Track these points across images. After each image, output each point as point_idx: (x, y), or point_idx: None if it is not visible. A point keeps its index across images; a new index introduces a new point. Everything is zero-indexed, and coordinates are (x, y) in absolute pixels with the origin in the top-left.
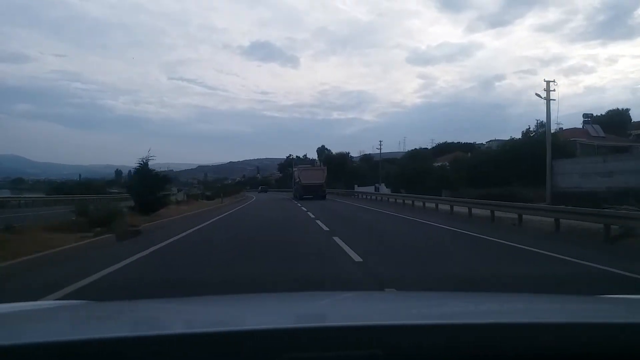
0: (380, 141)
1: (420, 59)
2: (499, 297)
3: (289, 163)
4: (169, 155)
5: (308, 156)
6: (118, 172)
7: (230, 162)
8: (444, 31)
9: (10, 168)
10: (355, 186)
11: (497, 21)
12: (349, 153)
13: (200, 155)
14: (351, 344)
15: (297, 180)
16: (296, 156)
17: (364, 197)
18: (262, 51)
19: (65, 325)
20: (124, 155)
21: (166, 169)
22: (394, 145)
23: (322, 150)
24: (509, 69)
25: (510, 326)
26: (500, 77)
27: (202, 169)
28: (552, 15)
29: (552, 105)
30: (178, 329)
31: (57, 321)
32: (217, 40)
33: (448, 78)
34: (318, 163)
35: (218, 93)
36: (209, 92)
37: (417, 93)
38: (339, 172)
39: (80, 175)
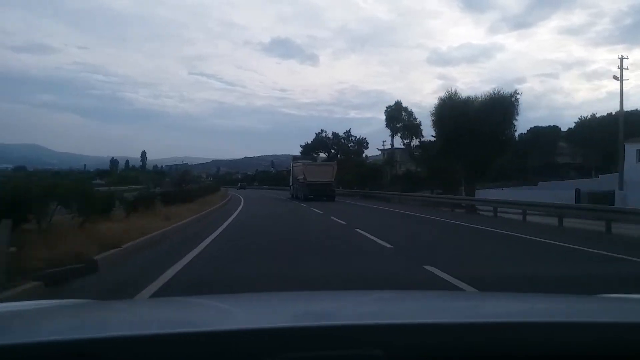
0: None
1: (441, 59)
2: (500, 297)
3: (320, 143)
4: (185, 150)
5: (351, 131)
6: (114, 162)
7: (246, 157)
8: (465, 32)
9: (30, 157)
10: (477, 192)
11: (520, 23)
12: (518, 92)
13: (217, 149)
14: (351, 344)
15: (301, 177)
16: (332, 133)
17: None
18: (282, 48)
19: (65, 325)
20: (141, 147)
21: (181, 163)
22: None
23: (397, 111)
24: (530, 72)
25: (511, 326)
26: (520, 80)
27: (216, 163)
28: (577, 17)
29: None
30: (176, 328)
31: (57, 321)
32: (237, 36)
33: (467, 80)
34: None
35: (237, 89)
36: (227, 87)
37: (436, 94)
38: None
39: (85, 165)
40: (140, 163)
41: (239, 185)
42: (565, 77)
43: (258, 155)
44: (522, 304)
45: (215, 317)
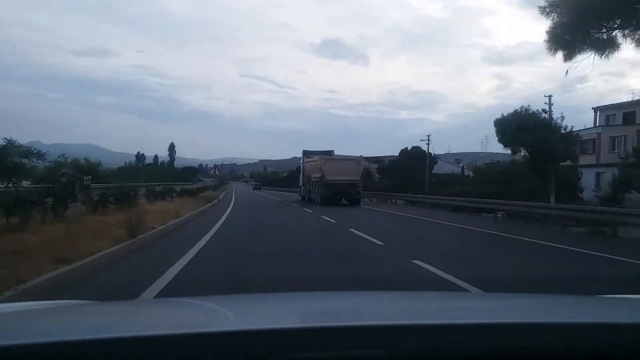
0: None
1: (497, 58)
2: (500, 297)
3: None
4: (234, 150)
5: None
6: (140, 157)
7: (294, 157)
8: (525, 29)
9: (87, 156)
10: None
11: None
12: None
13: (265, 150)
14: (352, 344)
15: (317, 175)
16: None
17: None
18: (332, 49)
19: (65, 325)
20: (192, 148)
21: (229, 163)
22: (473, 145)
23: None
24: (593, 71)
25: (511, 326)
26: (582, 80)
27: (263, 163)
28: None
29: None
30: (177, 329)
31: (57, 321)
32: (288, 38)
33: (526, 79)
34: None
35: (286, 91)
36: (278, 89)
37: (492, 94)
38: None
39: (125, 162)
40: (168, 158)
41: (253, 185)
42: (633, 75)
43: None
44: (523, 305)
45: (217, 318)
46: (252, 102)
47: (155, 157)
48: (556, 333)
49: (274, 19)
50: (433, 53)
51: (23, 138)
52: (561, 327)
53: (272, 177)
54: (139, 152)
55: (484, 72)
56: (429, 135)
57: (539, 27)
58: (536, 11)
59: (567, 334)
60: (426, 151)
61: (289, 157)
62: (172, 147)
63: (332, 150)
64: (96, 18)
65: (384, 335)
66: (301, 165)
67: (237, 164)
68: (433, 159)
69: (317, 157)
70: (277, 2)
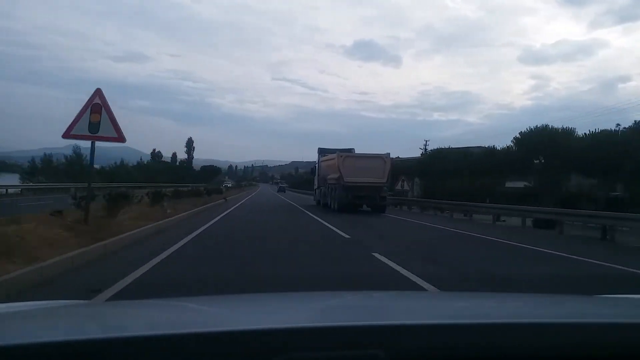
0: None
1: (533, 58)
2: (500, 297)
3: None
4: (266, 152)
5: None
6: (156, 155)
7: None
8: (563, 28)
9: (123, 158)
10: None
11: (627, 15)
12: None
13: (297, 151)
14: (352, 344)
15: (334, 176)
16: None
17: None
18: (364, 51)
19: (65, 325)
20: (224, 150)
21: (261, 165)
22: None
23: None
24: (637, 70)
25: (511, 326)
26: (624, 79)
27: (294, 164)
28: None
29: None
30: (175, 329)
31: (57, 321)
32: (320, 40)
33: (563, 79)
34: None
35: (318, 93)
36: (309, 92)
37: (527, 94)
38: None
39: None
40: (186, 155)
41: (278, 187)
42: None
43: None
44: (523, 305)
45: (217, 318)
46: (284, 105)
47: (174, 155)
48: (556, 333)
49: (305, 22)
50: (467, 53)
51: (62, 142)
52: (561, 327)
53: (304, 177)
54: (154, 150)
55: (520, 72)
56: None
57: (578, 26)
58: (574, 9)
59: (568, 334)
60: None
61: None
62: (190, 144)
63: (353, 148)
64: (132, 25)
65: (384, 335)
66: (316, 165)
67: (269, 165)
68: None
69: (334, 156)
70: (308, 5)
